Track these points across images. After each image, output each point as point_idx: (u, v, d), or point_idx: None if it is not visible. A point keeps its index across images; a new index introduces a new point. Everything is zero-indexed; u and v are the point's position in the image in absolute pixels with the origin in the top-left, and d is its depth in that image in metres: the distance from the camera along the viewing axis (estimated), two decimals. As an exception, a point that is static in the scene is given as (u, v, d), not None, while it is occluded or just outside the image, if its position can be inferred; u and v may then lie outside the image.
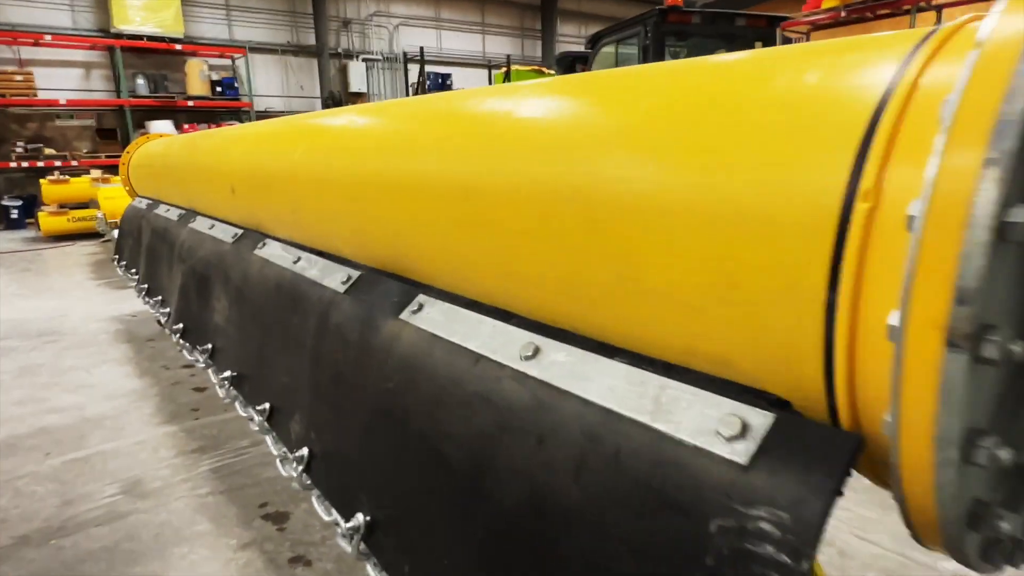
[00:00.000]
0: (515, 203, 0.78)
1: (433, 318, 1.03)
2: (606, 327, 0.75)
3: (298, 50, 12.88)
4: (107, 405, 2.57)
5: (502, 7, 15.43)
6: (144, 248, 3.23)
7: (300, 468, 1.33)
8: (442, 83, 13.09)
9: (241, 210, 1.96)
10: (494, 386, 0.84)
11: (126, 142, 10.67)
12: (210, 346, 2.05)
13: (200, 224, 2.44)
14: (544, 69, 12.54)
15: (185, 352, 2.27)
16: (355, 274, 1.31)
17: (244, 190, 1.89)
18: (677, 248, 0.62)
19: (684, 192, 0.62)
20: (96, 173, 8.22)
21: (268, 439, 1.56)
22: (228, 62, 12.01)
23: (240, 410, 1.76)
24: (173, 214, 2.88)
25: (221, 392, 1.85)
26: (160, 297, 2.76)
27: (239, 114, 11.86)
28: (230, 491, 1.88)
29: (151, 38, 10.60)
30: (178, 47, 10.87)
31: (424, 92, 12.04)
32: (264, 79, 12.60)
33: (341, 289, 1.30)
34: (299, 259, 1.56)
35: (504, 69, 12.46)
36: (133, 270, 3.47)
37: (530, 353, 0.82)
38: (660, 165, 0.65)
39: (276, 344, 1.54)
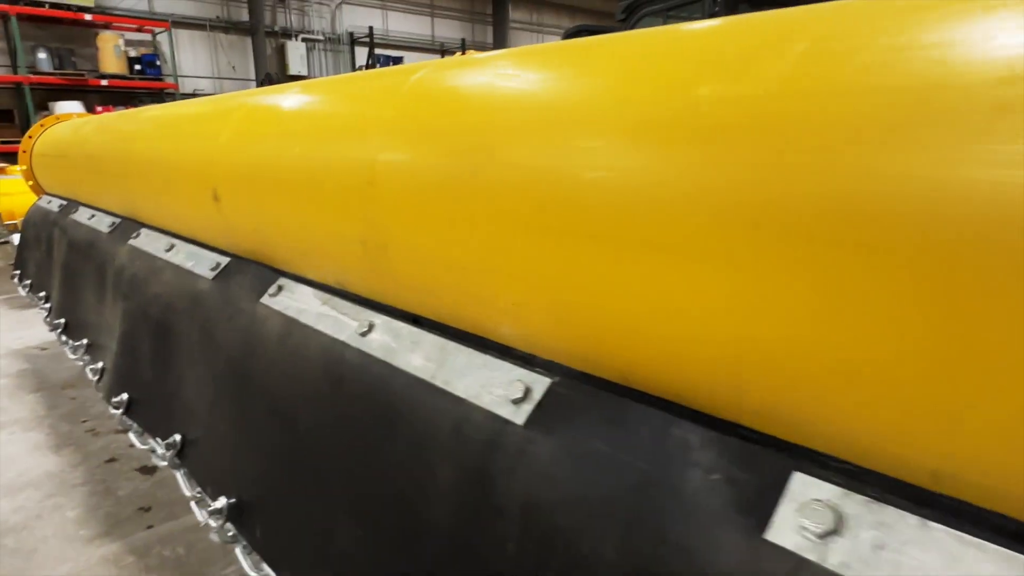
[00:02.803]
0: None
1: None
2: None
3: (229, 26, 11.60)
4: (8, 505, 1.76)
5: (452, -11, 14.59)
6: (59, 267, 2.38)
7: None
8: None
9: (231, 227, 1.24)
10: None
11: (25, 126, 9.24)
12: (178, 438, 1.31)
13: (149, 242, 1.67)
14: (500, 55, 11.82)
15: (133, 437, 1.51)
16: (538, 385, 0.65)
17: (236, 197, 1.17)
18: None
19: None
20: (-11, 161, 6.93)
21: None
22: (148, 37, 10.64)
23: (242, 558, 1.06)
24: (101, 223, 2.07)
25: (206, 522, 1.14)
26: (86, 341, 1.96)
27: (162, 95, 10.54)
28: None
29: (54, 5, 9.16)
30: (87, 17, 9.47)
31: (374, 76, 11.11)
32: (191, 58, 11.27)
33: (517, 419, 0.64)
34: (371, 327, 0.87)
35: (458, 55, 11.71)
36: (42, 294, 2.61)
37: None
38: None
39: (331, 468, 0.86)
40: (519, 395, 0.65)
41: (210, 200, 1.24)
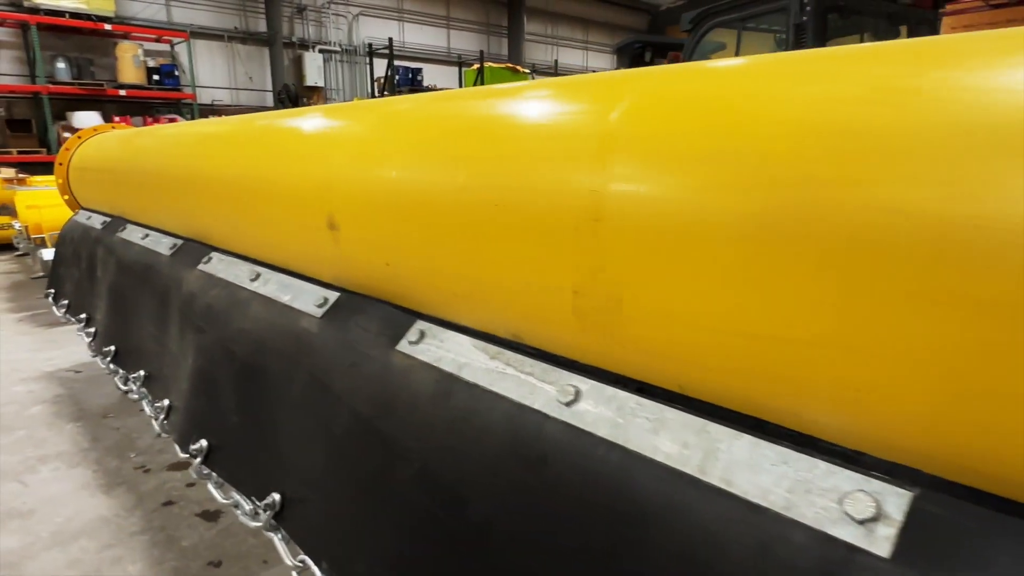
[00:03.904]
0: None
1: None
2: None
3: (247, 37, 11.54)
4: (62, 558, 1.59)
5: (468, 1, 14.54)
6: (106, 289, 2.23)
7: None
8: (412, 78, 12.04)
9: (348, 259, 1.08)
10: None
11: (43, 135, 9.18)
12: (277, 498, 1.15)
13: (225, 269, 1.52)
14: (518, 68, 11.76)
15: (213, 489, 1.35)
16: (890, 498, 0.49)
17: (362, 226, 1.01)
18: None
19: None
20: (8, 172, 6.82)
21: None
22: (166, 47, 10.58)
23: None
24: (159, 244, 1.92)
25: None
26: (143, 373, 1.80)
27: (179, 106, 10.48)
28: None
29: (74, 15, 9.10)
30: (107, 27, 9.41)
31: (392, 88, 11.05)
32: (208, 68, 11.21)
33: (876, 548, 0.48)
34: (578, 394, 0.71)
35: (476, 66, 11.74)
36: (82, 315, 2.46)
37: None
38: None
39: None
40: (868, 513, 0.48)
41: (323, 228, 1.08)
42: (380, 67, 11.99)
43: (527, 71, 12.16)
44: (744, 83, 0.60)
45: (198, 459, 1.36)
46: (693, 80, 0.65)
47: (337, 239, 1.07)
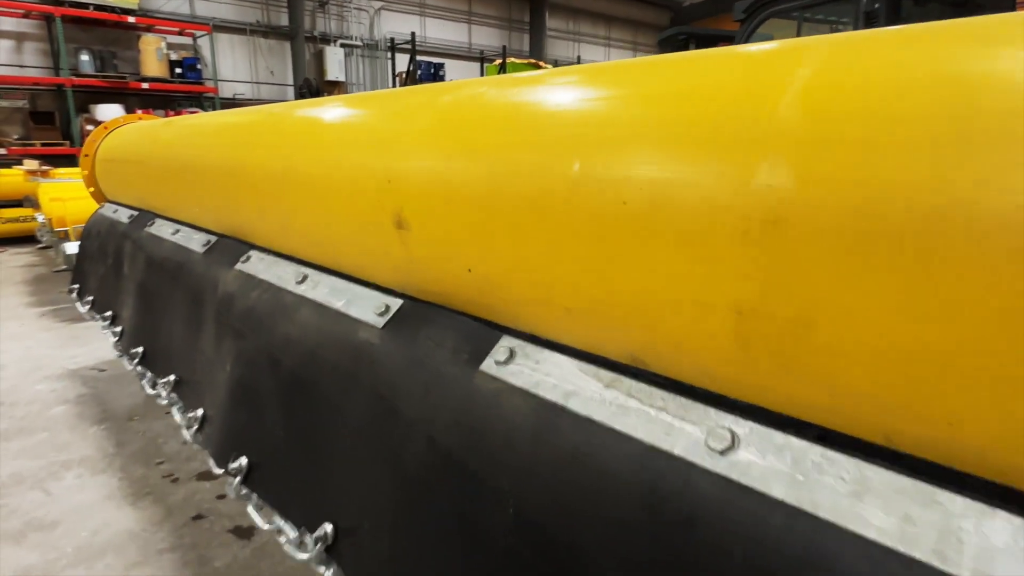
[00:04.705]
0: None
1: None
2: None
3: (269, 31, 11.48)
4: (87, 576, 1.48)
5: (490, -4, 14.41)
6: (133, 286, 2.12)
7: None
8: (434, 73, 11.91)
9: (417, 262, 0.95)
10: None
11: (66, 127, 9.19)
12: (330, 529, 1.02)
13: (267, 269, 1.40)
14: (540, 63, 11.60)
15: (253, 512, 1.23)
16: None
17: (438, 227, 0.88)
18: None
19: None
20: (32, 164, 6.79)
21: None
22: (189, 41, 10.55)
23: None
24: (190, 240, 1.81)
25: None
26: (174, 377, 1.69)
27: (201, 100, 10.44)
28: None
29: (98, 7, 9.07)
30: (131, 20, 9.37)
31: (414, 83, 10.94)
32: (230, 62, 11.16)
33: None
34: (735, 440, 0.57)
35: (498, 62, 11.62)
36: (107, 313, 2.36)
37: None
38: None
39: None
40: None
41: (388, 226, 0.95)
42: (401, 62, 11.90)
43: (549, 67, 12.00)
44: (996, 48, 0.46)
45: (237, 478, 1.24)
46: (912, 43, 0.51)
47: (405, 240, 0.94)
